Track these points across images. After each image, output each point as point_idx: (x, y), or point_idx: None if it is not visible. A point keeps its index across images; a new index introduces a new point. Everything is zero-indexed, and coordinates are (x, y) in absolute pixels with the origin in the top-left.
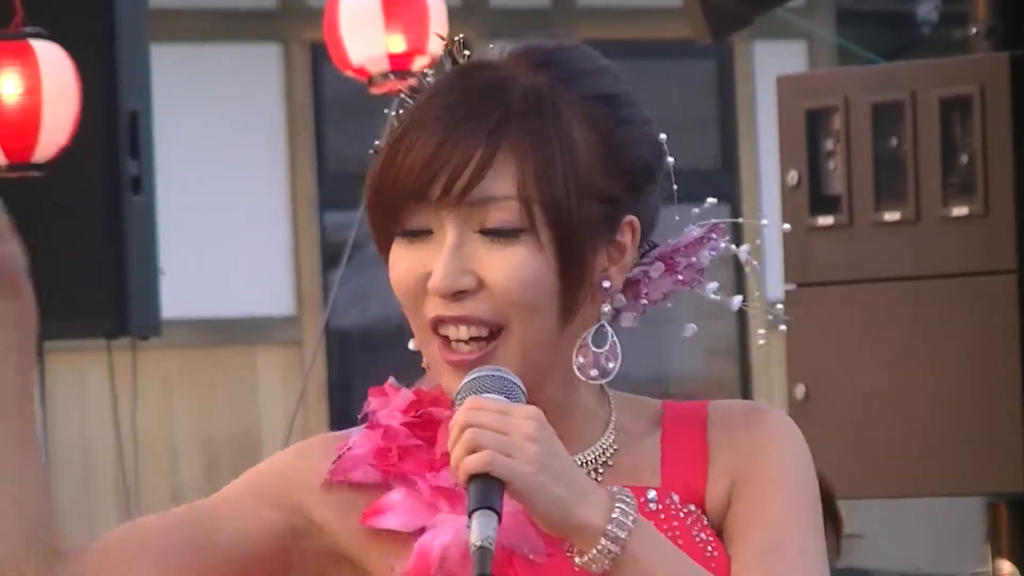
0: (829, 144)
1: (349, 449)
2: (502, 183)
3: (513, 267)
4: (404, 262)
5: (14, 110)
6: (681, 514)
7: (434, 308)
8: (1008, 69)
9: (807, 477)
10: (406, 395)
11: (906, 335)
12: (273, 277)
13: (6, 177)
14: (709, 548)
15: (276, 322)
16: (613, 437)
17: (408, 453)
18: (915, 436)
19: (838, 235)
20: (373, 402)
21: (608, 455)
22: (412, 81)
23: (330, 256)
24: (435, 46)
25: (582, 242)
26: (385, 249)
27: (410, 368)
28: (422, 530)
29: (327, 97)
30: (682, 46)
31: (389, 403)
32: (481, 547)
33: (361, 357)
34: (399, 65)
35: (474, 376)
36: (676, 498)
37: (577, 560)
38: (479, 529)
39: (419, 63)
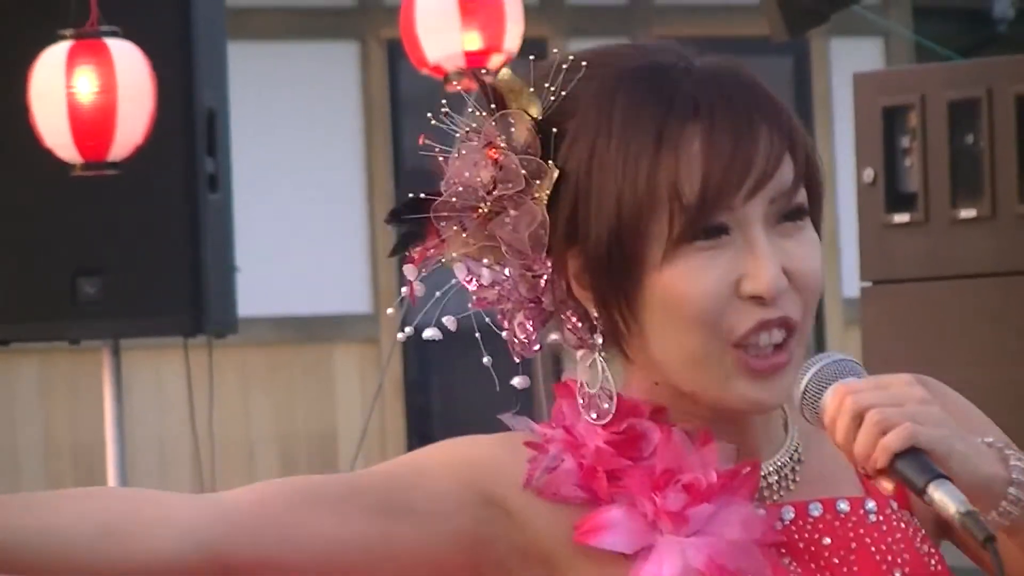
0: (905, 141)
1: (554, 469)
2: (788, 168)
3: (812, 254)
4: (708, 271)
5: (89, 109)
6: (902, 524)
7: (750, 315)
8: None
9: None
10: None
11: (983, 333)
12: (350, 275)
13: (83, 176)
14: (932, 562)
15: (353, 320)
16: (796, 436)
17: (615, 476)
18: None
19: (914, 232)
20: (563, 404)
21: (796, 459)
22: (488, 78)
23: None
24: (511, 43)
25: (821, 213)
26: (630, 273)
27: (483, 366)
28: (639, 551)
29: (404, 95)
30: (758, 43)
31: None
32: (968, 511)
33: (437, 355)
34: (475, 63)
35: (816, 369)
36: (895, 506)
37: (988, 518)
38: (952, 496)
39: (495, 60)
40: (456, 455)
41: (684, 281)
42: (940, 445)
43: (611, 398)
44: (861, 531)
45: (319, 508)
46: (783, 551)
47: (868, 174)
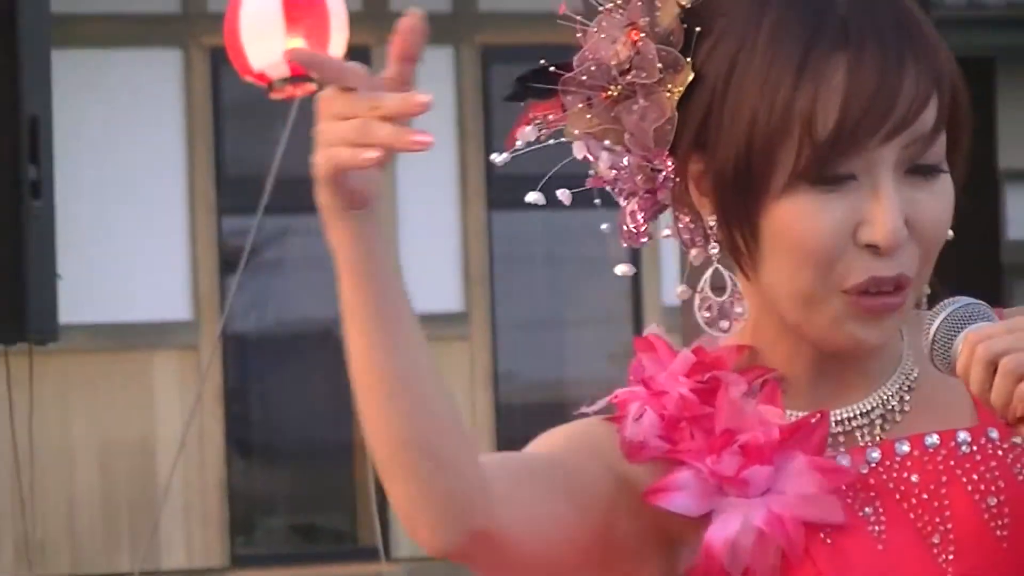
0: None
1: (637, 419)
2: (931, 114)
3: (941, 205)
4: (826, 213)
5: None
6: (999, 452)
7: (865, 267)
8: None
9: None
10: (686, 356)
11: None
12: (171, 282)
13: None
14: None
15: (173, 327)
16: (912, 361)
17: (698, 424)
18: None
19: None
20: (643, 357)
21: (911, 382)
22: (311, 87)
23: (227, 261)
24: (336, 51)
25: (964, 167)
26: (754, 197)
27: (307, 373)
28: (707, 515)
29: (226, 102)
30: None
31: (660, 360)
32: None
33: (257, 362)
34: (299, 70)
35: (947, 313)
36: (995, 435)
37: None
38: None
39: None
40: (579, 435)
41: (801, 218)
42: None
43: (743, 302)
44: (952, 463)
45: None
46: (872, 494)
47: None
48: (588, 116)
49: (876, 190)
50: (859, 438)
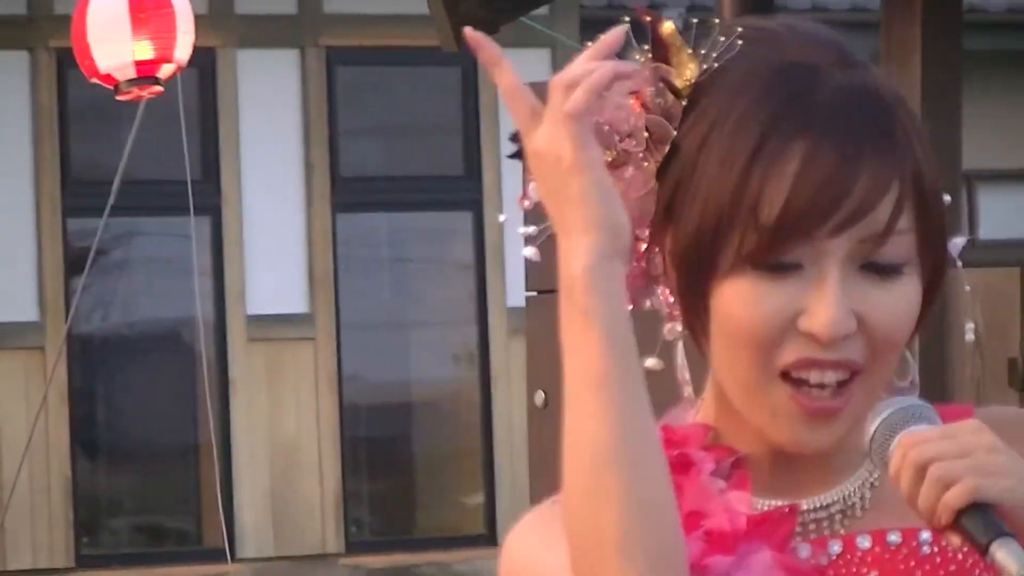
0: None
1: None
2: (886, 211)
3: (901, 306)
4: (768, 299)
5: None
6: (959, 556)
7: (803, 350)
8: None
9: None
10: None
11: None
12: (16, 283)
13: None
14: None
15: (18, 327)
16: (867, 475)
17: None
18: None
19: None
20: None
21: (874, 479)
22: (158, 89)
23: (73, 263)
24: (182, 53)
25: (944, 272)
26: (702, 276)
27: (154, 374)
28: None
29: (73, 104)
30: (428, 53)
31: None
32: None
33: (102, 363)
34: (146, 72)
35: (885, 416)
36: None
37: None
38: (1015, 556)
39: (165, 70)
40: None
41: (742, 302)
42: (1007, 497)
43: (689, 386)
44: (912, 563)
45: None
46: None
47: (535, 187)
48: None
49: (821, 281)
50: (819, 530)
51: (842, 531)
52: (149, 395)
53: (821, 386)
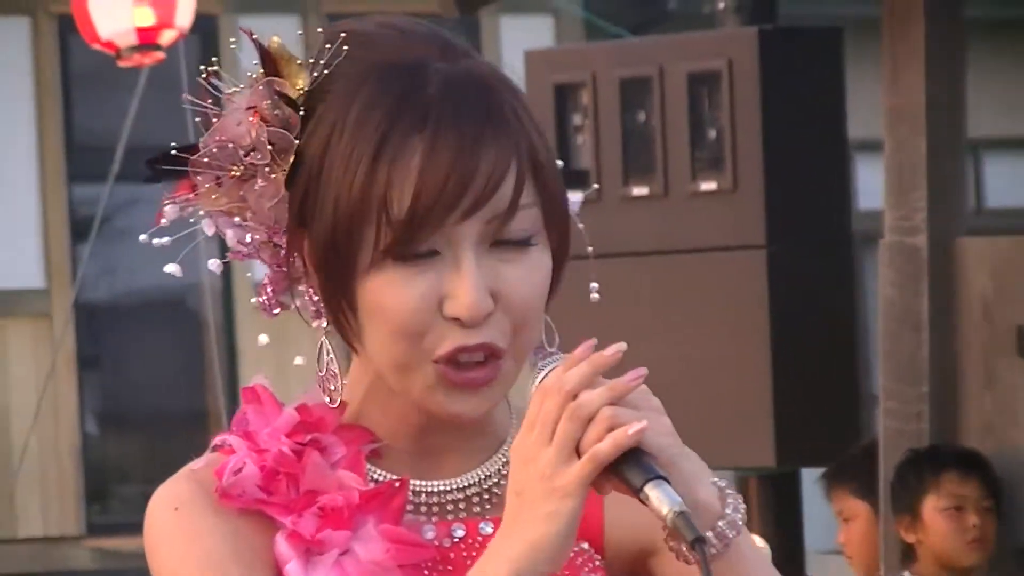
0: (577, 119)
1: (238, 471)
2: (508, 191)
3: (534, 281)
4: (411, 288)
5: None
6: (579, 560)
7: (453, 339)
8: (756, 44)
9: None
10: (291, 415)
11: (654, 310)
12: (22, 250)
13: None
14: None
15: (25, 295)
16: (504, 460)
17: (293, 481)
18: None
19: (586, 210)
20: (248, 409)
21: (495, 480)
22: (160, 55)
23: (78, 229)
24: (183, 19)
25: (568, 238)
26: (345, 274)
27: (160, 341)
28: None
29: (75, 70)
30: (429, 20)
31: (265, 414)
32: (682, 512)
33: (109, 330)
34: (147, 39)
35: (544, 375)
36: (585, 546)
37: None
38: (668, 496)
39: (167, 36)
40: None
41: (388, 293)
42: (665, 452)
43: (337, 379)
44: None
45: None
46: (450, 568)
47: None
48: (214, 196)
49: (458, 265)
50: (452, 512)
51: (480, 515)
52: (157, 362)
53: (471, 363)
